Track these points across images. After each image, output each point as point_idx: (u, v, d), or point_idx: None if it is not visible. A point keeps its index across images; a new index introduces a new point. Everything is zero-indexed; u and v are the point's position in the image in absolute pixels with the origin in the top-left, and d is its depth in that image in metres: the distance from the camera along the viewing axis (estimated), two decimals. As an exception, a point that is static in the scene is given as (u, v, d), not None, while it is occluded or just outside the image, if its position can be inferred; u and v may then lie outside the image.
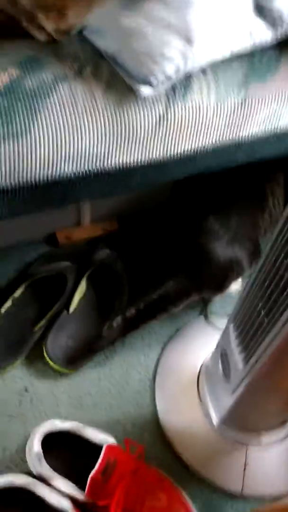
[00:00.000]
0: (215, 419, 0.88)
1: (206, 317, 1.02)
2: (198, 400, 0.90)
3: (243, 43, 0.64)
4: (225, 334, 0.77)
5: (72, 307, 0.97)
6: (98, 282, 1.01)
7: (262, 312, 0.62)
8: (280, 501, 0.84)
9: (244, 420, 0.86)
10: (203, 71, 0.65)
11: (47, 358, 0.93)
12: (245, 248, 0.85)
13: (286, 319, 0.55)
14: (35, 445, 0.76)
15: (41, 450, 0.76)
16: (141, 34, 0.62)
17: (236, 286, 1.04)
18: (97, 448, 0.77)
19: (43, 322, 0.95)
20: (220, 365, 0.80)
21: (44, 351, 0.94)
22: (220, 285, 0.87)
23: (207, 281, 0.86)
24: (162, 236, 1.12)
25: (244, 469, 0.85)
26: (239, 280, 1.03)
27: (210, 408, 0.89)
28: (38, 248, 1.08)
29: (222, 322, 0.98)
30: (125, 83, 0.62)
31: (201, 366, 0.94)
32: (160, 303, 0.87)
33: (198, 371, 0.93)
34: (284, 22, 0.65)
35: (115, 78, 0.62)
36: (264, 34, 0.65)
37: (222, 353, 0.79)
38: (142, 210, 1.15)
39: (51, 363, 0.93)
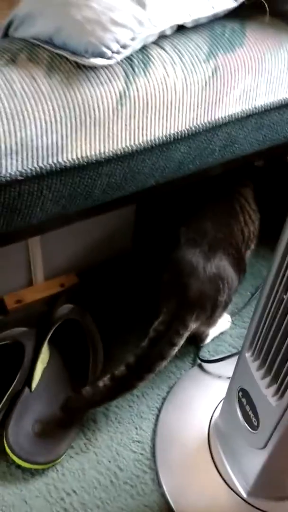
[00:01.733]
0: (241, 489, 0.68)
1: (200, 365, 0.84)
2: (215, 471, 0.70)
3: (202, 10, 0.55)
4: (240, 368, 0.60)
5: (34, 382, 0.76)
6: (64, 344, 0.82)
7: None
8: None
9: (281, 483, 0.67)
10: (161, 46, 0.55)
11: (11, 454, 0.71)
12: (228, 254, 0.72)
13: None
14: None
15: None
16: (84, 3, 0.51)
17: (225, 324, 0.89)
18: None
19: (0, 407, 0.73)
20: (240, 415, 0.62)
21: (6, 445, 0.71)
22: (214, 300, 0.71)
23: (196, 298, 0.70)
24: (131, 283, 0.96)
25: None
26: (227, 316, 0.89)
27: (232, 476, 0.69)
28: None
29: (220, 368, 0.81)
30: (70, 62, 0.50)
31: (209, 426, 0.74)
32: (154, 350, 0.69)
33: (207, 433, 0.74)
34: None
35: (57, 59, 0.50)
36: (223, 2, 0.57)
37: (239, 396, 0.61)
38: (103, 261, 1.00)
39: (17, 460, 0.71)
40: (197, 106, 0.56)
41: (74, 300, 0.86)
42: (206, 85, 0.55)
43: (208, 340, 0.86)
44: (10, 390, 0.75)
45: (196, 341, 0.86)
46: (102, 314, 0.87)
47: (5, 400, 0.74)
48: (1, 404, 0.74)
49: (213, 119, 0.57)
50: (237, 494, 0.68)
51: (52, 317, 0.82)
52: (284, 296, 0.49)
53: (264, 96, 0.60)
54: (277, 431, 0.54)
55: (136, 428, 0.77)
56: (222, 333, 0.90)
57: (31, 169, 0.48)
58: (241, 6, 0.58)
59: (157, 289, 0.76)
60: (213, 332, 0.85)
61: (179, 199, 0.85)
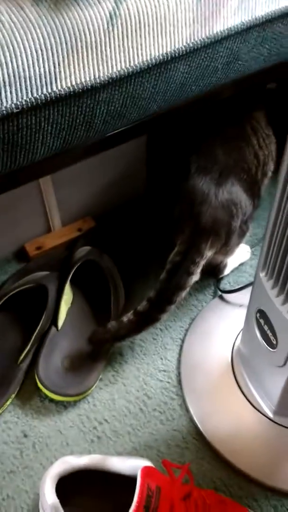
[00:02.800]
0: (267, 410, 0.70)
1: (221, 296, 0.84)
2: (240, 393, 0.72)
3: None
4: (256, 289, 0.60)
5: (60, 321, 0.79)
6: (85, 284, 0.84)
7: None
8: None
9: (305, 401, 0.68)
10: None
11: (43, 389, 0.74)
12: (240, 179, 0.70)
13: None
14: (48, 495, 0.56)
15: (57, 500, 0.56)
16: None
17: (245, 255, 0.89)
18: (129, 480, 0.57)
19: (29, 347, 0.76)
20: (259, 335, 0.63)
21: (38, 381, 0.75)
22: (227, 225, 0.70)
23: (209, 225, 0.69)
24: (147, 223, 0.96)
25: None
26: (246, 247, 0.88)
27: (257, 397, 0.71)
28: (6, 268, 0.90)
29: (241, 297, 0.82)
30: (56, -15, 0.48)
31: (232, 352, 0.76)
32: (172, 282, 0.70)
33: (230, 358, 0.75)
34: None
35: (43, -15, 0.48)
36: None
37: (257, 318, 0.62)
38: (119, 204, 1.00)
39: (49, 393, 0.74)
40: (193, 21, 0.53)
41: (92, 242, 0.87)
42: (200, -3, 0.52)
43: (227, 271, 0.86)
44: (37, 330, 0.77)
45: (216, 274, 0.87)
46: (121, 254, 0.88)
47: (33, 340, 0.77)
48: (30, 343, 0.77)
49: (211, 33, 0.55)
50: (262, 414, 0.70)
51: (72, 259, 0.84)
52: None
53: (264, 5, 0.57)
54: (295, 346, 0.55)
55: (161, 359, 0.79)
56: (242, 264, 0.89)
57: (26, 101, 0.47)
58: None
59: (171, 223, 0.76)
60: (232, 263, 0.85)
61: (189, 130, 0.83)
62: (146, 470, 0.54)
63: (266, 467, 0.67)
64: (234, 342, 0.77)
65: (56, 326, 0.78)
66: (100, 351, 0.76)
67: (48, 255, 0.90)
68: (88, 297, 0.83)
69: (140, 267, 0.89)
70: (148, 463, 0.57)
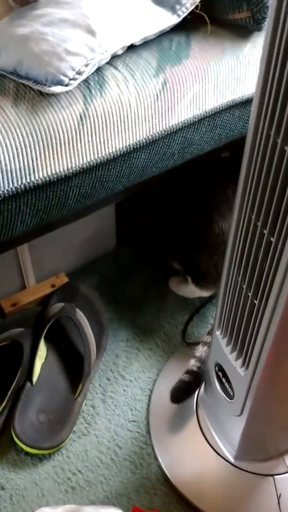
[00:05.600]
0: (229, 455, 0.75)
1: (186, 347, 0.91)
2: (204, 440, 0.78)
3: (148, 28, 0.61)
4: (214, 345, 0.67)
5: (35, 377, 0.84)
6: (59, 340, 0.89)
7: (250, 294, 0.54)
8: None
9: (262, 446, 0.74)
10: (114, 66, 0.61)
11: (19, 443, 0.78)
12: None
13: (281, 281, 0.46)
14: None
15: None
16: (40, 37, 0.57)
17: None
18: (102, 528, 0.62)
19: (4, 403, 0.81)
20: (218, 387, 0.70)
21: (14, 435, 0.79)
22: None
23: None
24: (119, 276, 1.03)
25: (278, 503, 0.71)
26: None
27: (219, 444, 0.77)
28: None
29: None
30: (34, 90, 0.56)
31: (196, 401, 0.82)
32: None
33: (195, 407, 0.81)
34: (182, 5, 0.63)
35: (22, 89, 0.57)
36: (166, 19, 0.63)
37: (217, 371, 0.69)
38: (89, 260, 1.07)
39: (25, 447, 0.78)
40: (152, 117, 0.62)
41: (65, 298, 0.93)
42: (157, 97, 0.61)
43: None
44: (13, 386, 0.82)
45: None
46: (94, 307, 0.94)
47: (9, 395, 0.81)
48: (6, 399, 0.81)
49: (167, 126, 0.64)
50: (224, 459, 0.76)
51: (46, 316, 0.89)
52: (243, 286, 0.56)
53: (213, 100, 0.67)
54: (249, 398, 0.62)
55: (131, 409, 0.85)
56: (205, 316, 0.97)
57: (7, 190, 0.54)
58: (184, 20, 0.64)
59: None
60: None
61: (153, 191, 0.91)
62: (117, 519, 0.59)
63: (228, 509, 0.72)
64: (198, 392, 0.83)
65: (31, 381, 0.83)
66: (74, 405, 0.81)
67: (23, 310, 0.95)
68: (61, 352, 0.88)
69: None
70: (120, 511, 0.61)
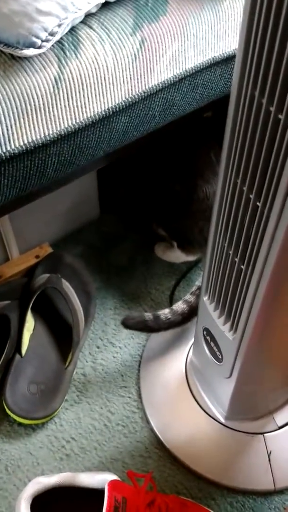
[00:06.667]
0: (219, 415, 0.77)
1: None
2: (194, 402, 0.79)
3: (123, -16, 0.58)
4: (201, 310, 0.67)
5: (24, 348, 0.83)
6: (46, 310, 0.89)
7: (236, 259, 0.53)
8: None
9: (251, 405, 0.75)
10: (89, 25, 0.58)
11: (12, 415, 0.79)
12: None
13: (268, 246, 0.46)
14: (23, 515, 0.61)
15: (32, 519, 0.61)
16: (7, -4, 0.54)
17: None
18: (98, 492, 0.63)
19: (-5, 375, 0.81)
20: (207, 350, 0.70)
21: (6, 407, 0.79)
22: None
23: None
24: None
25: (269, 460, 0.73)
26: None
27: (210, 405, 0.78)
28: None
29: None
30: (5, 54, 0.53)
31: (186, 364, 0.83)
32: None
33: (184, 370, 0.82)
34: None
35: (-8, 53, 0.53)
36: (142, -28, 0.59)
37: (205, 336, 0.69)
38: (73, 229, 1.05)
39: (17, 418, 0.78)
40: (130, 78, 0.59)
41: (50, 269, 0.92)
42: (135, 57, 0.59)
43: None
44: (2, 359, 0.81)
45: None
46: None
47: (-1, 368, 0.81)
48: (-4, 373, 0.81)
49: (147, 87, 0.61)
50: (215, 420, 0.77)
51: (31, 287, 0.88)
52: (230, 252, 0.55)
53: (193, 59, 0.64)
54: (238, 361, 0.62)
55: (122, 375, 0.85)
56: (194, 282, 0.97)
57: (-17, 161, 0.52)
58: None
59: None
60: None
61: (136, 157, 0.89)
62: (112, 483, 0.60)
63: (220, 468, 0.74)
64: (187, 355, 0.84)
65: (20, 353, 0.83)
66: (64, 374, 0.81)
67: (8, 283, 0.94)
68: (49, 322, 0.88)
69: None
70: (114, 476, 0.63)
